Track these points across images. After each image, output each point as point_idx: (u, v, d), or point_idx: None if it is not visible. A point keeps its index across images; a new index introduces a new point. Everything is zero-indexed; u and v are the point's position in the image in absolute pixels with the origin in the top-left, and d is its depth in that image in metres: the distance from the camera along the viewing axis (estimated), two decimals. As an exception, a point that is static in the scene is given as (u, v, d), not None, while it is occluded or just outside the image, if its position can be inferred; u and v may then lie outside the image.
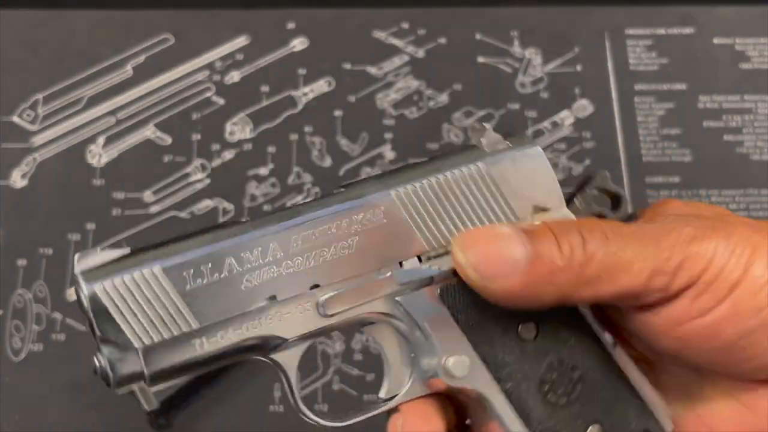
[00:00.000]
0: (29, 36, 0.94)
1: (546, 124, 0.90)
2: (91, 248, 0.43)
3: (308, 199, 0.46)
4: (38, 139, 0.88)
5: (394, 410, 0.47)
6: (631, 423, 0.46)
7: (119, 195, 0.86)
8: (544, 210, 0.47)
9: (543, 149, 0.48)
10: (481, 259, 0.43)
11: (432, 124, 0.90)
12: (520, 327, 0.46)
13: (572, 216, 0.47)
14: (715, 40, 0.95)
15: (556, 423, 0.45)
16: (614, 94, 0.93)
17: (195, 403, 0.76)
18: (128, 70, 0.92)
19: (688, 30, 0.96)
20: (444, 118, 0.90)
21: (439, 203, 0.45)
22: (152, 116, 0.90)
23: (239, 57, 0.93)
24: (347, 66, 0.93)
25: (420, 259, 0.45)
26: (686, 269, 0.42)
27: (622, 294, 0.43)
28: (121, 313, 0.41)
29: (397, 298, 0.45)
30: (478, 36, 0.95)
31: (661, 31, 0.96)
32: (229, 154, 0.88)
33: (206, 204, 0.85)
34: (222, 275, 0.42)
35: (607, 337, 0.47)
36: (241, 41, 0.94)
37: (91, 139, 0.89)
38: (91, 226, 0.84)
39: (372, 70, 0.93)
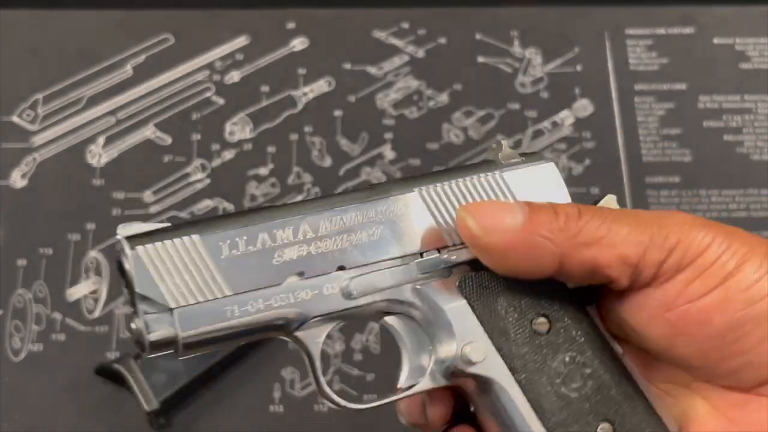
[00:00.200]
0: (29, 36, 0.94)
1: (546, 124, 0.90)
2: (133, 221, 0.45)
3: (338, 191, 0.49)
4: (38, 139, 0.88)
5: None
6: (641, 425, 0.47)
7: (119, 195, 0.86)
8: None
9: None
10: (482, 215, 0.45)
11: (432, 124, 0.90)
12: (533, 321, 0.48)
13: None
14: (715, 40, 0.96)
15: (568, 416, 0.46)
16: (614, 94, 0.93)
17: (195, 403, 0.76)
18: (128, 70, 0.92)
19: (688, 30, 0.96)
20: (444, 118, 0.91)
21: (458, 202, 0.48)
22: (152, 116, 0.90)
23: (239, 57, 0.93)
24: (347, 66, 0.93)
25: (439, 252, 0.48)
26: (681, 250, 0.43)
27: (619, 261, 0.44)
28: (160, 273, 0.44)
29: (417, 286, 0.47)
30: (478, 36, 0.95)
31: (661, 31, 0.96)
32: (229, 154, 0.88)
33: (206, 204, 0.85)
34: (255, 248, 0.45)
35: (617, 347, 0.49)
36: (241, 41, 0.94)
37: (91, 139, 0.89)
38: (91, 226, 0.84)
39: (372, 70, 0.93)
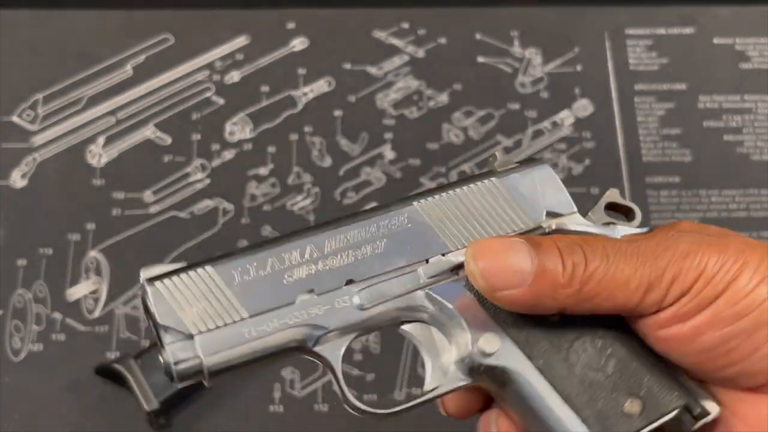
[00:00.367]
0: (29, 36, 0.94)
1: (546, 124, 0.90)
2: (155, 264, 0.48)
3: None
4: (38, 139, 0.88)
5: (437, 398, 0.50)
6: (670, 395, 0.47)
7: (119, 195, 0.86)
8: (558, 215, 0.51)
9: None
10: (491, 270, 0.46)
11: (432, 124, 0.90)
12: None
13: (584, 221, 0.51)
14: (715, 40, 0.96)
15: (593, 395, 0.47)
16: (614, 94, 0.93)
17: (195, 403, 0.76)
18: (128, 70, 0.92)
19: (688, 30, 0.96)
20: (444, 118, 0.91)
21: (458, 210, 0.50)
22: (152, 116, 0.90)
23: (239, 57, 0.93)
24: (347, 66, 0.93)
25: (443, 255, 0.50)
26: (679, 282, 0.45)
27: (618, 309, 0.46)
28: (179, 303, 0.46)
29: (427, 290, 0.49)
30: (478, 36, 0.95)
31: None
32: (229, 154, 0.88)
33: (206, 204, 0.85)
34: (266, 271, 0.48)
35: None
36: (241, 41, 0.94)
37: (91, 139, 0.89)
38: (91, 226, 0.84)
39: (372, 70, 0.93)
